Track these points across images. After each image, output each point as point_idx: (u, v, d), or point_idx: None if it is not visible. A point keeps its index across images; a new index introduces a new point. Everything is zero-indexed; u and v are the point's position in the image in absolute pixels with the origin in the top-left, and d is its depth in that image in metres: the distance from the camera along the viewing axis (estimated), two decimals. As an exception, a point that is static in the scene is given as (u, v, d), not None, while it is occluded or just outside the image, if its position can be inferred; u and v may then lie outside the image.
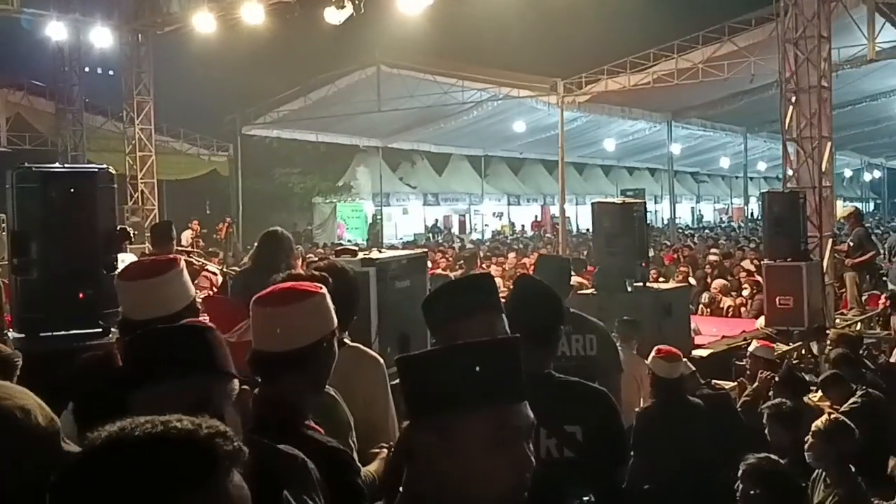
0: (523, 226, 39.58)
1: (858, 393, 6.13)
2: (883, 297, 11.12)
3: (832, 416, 4.89)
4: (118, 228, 5.15)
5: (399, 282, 5.73)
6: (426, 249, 9.00)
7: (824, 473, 4.56)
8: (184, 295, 2.61)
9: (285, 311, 2.26)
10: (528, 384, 1.52)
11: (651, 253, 15.81)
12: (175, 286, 2.58)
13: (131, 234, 5.40)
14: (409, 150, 33.79)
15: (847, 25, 14.16)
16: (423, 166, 36.72)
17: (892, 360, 8.54)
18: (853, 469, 4.57)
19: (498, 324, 2.39)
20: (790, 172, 11.73)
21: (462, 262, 13.82)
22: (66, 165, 6.91)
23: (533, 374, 2.38)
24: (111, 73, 23.78)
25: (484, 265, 16.29)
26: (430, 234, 34.58)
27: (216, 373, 1.72)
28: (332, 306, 2.39)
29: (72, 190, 4.86)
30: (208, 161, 26.27)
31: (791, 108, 11.61)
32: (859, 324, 11.23)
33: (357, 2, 13.95)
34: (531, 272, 6.32)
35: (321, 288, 2.40)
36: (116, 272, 5.02)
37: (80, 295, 4.79)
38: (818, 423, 4.60)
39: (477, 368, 1.43)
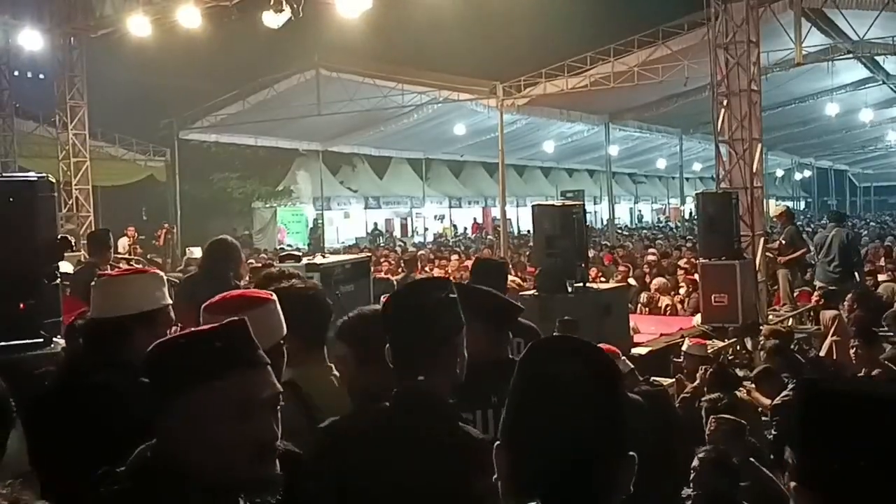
0: (465, 228, 39.74)
1: (790, 386, 6.37)
2: (815, 293, 11.49)
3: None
4: (59, 238, 5.08)
5: (344, 286, 5.78)
6: (369, 254, 9.03)
7: None
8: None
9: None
10: None
11: (591, 253, 16.09)
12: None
13: (72, 244, 5.33)
14: (350, 154, 33.65)
15: (775, 30, 14.59)
16: (364, 170, 36.60)
17: (821, 353, 8.86)
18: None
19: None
20: (723, 173, 12.06)
21: (403, 265, 13.88)
22: (4, 174, 6.77)
23: None
24: (42, 76, 23.20)
25: (427, 268, 16.38)
26: (372, 238, 34.51)
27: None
28: (281, 314, 2.43)
29: (10, 199, 4.77)
30: (144, 166, 25.82)
31: (723, 110, 11.94)
32: (791, 319, 11.58)
33: (295, 6, 13.87)
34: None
35: (271, 295, 2.44)
36: (56, 281, 4.99)
37: (21, 305, 4.71)
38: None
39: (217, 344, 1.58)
